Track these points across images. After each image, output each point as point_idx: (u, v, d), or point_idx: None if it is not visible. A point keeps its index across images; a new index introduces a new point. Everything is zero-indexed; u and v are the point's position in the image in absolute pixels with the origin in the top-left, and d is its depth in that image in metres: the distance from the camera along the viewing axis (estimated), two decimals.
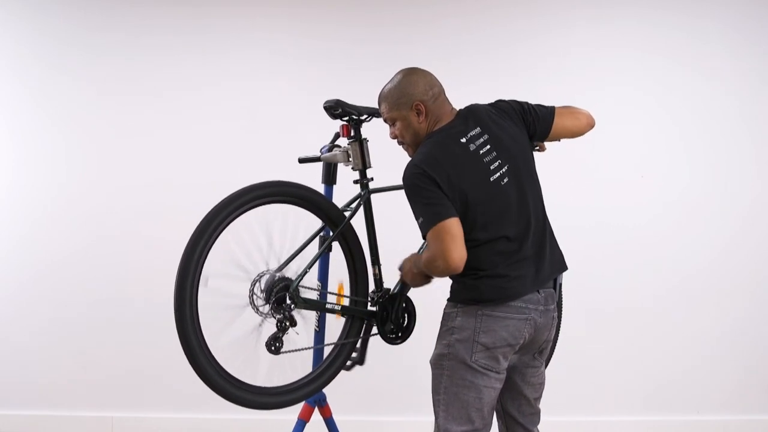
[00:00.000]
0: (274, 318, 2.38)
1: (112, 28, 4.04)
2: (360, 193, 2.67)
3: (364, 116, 2.66)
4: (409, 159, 2.35)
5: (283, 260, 2.45)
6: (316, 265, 2.61)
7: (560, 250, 2.41)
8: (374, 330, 2.64)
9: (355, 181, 2.69)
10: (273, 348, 2.36)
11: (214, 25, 4.04)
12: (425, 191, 2.19)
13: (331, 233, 2.60)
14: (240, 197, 2.34)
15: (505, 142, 2.31)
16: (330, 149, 2.74)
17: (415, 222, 2.23)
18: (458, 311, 2.28)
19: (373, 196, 2.68)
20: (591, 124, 2.54)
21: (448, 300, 2.34)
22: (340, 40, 4.04)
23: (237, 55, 4.04)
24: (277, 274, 2.41)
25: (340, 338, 2.62)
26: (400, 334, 2.65)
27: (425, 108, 2.33)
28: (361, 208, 2.66)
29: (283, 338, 2.38)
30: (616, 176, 3.99)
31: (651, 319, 3.98)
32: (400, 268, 2.49)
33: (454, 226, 2.16)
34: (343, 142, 2.72)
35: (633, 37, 4.03)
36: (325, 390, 2.75)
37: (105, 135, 4.03)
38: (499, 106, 2.42)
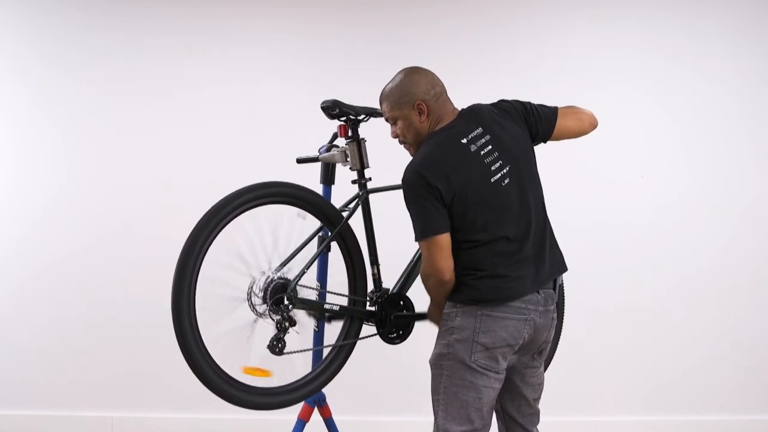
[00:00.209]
0: (272, 319, 2.39)
1: (112, 28, 4.04)
2: (358, 193, 2.67)
3: (362, 116, 2.67)
4: (410, 159, 2.35)
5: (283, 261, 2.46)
6: (315, 265, 2.61)
7: (560, 251, 2.41)
8: (373, 330, 2.64)
9: (353, 181, 2.69)
10: (276, 349, 2.37)
11: (214, 25, 4.04)
12: (423, 199, 2.21)
13: (330, 233, 2.60)
14: (238, 198, 2.35)
15: (506, 143, 2.31)
16: (328, 149, 2.74)
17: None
18: (458, 311, 2.28)
19: (371, 196, 2.68)
20: (594, 125, 2.54)
21: (448, 300, 2.34)
22: (340, 40, 4.04)
23: (237, 55, 4.04)
24: (276, 275, 2.41)
25: (338, 339, 2.62)
26: (399, 333, 2.65)
27: (427, 107, 2.33)
28: (360, 208, 2.66)
29: (284, 338, 2.39)
30: (616, 176, 3.99)
31: (651, 319, 3.98)
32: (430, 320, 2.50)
33: (444, 241, 2.23)
34: (341, 142, 2.72)
35: (633, 37, 4.03)
36: (324, 390, 2.75)
37: (105, 135, 4.03)
38: (502, 106, 2.42)
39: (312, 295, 2.55)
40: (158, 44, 4.04)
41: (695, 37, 4.02)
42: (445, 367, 2.28)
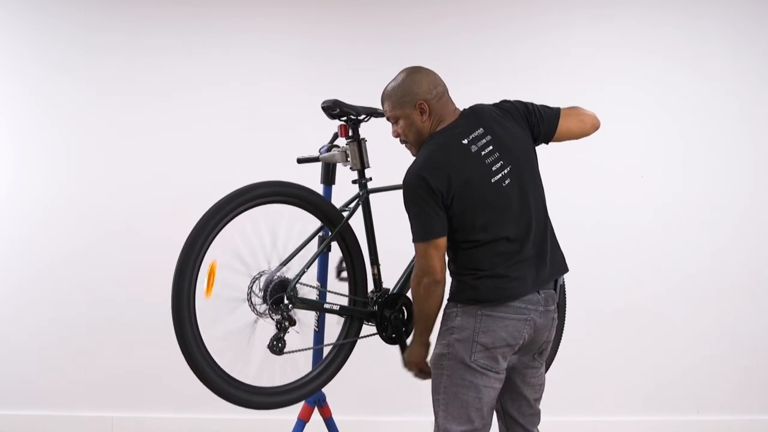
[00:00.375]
0: (272, 319, 2.39)
1: (112, 28, 4.04)
2: (358, 193, 2.67)
3: (363, 116, 2.67)
4: (412, 159, 2.36)
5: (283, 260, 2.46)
6: (315, 265, 2.61)
7: (561, 252, 2.41)
8: (373, 329, 2.64)
9: (354, 181, 2.69)
10: (276, 348, 2.37)
11: (214, 25, 4.04)
12: (422, 203, 2.22)
13: (330, 233, 2.60)
14: (238, 198, 2.34)
15: (507, 143, 2.31)
16: (328, 149, 2.74)
17: None
18: (458, 311, 2.28)
19: (371, 196, 2.68)
20: (596, 126, 2.54)
21: (448, 300, 2.35)
22: (340, 40, 4.04)
23: (237, 55, 4.04)
24: (276, 274, 2.41)
25: (339, 338, 2.62)
26: (399, 334, 2.64)
27: (428, 107, 2.33)
28: (360, 208, 2.66)
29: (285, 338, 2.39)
30: (616, 176, 3.99)
31: (651, 319, 3.98)
32: (405, 363, 2.50)
33: (442, 244, 2.24)
34: (341, 142, 2.72)
35: (633, 37, 4.03)
36: (324, 390, 2.75)
37: (105, 135, 4.03)
38: (503, 106, 2.42)
39: (312, 295, 2.55)
40: (158, 44, 4.04)
41: (695, 37, 4.02)
42: (445, 366, 2.28)
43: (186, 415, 3.96)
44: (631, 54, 4.03)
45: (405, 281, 2.67)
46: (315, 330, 2.71)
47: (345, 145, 2.69)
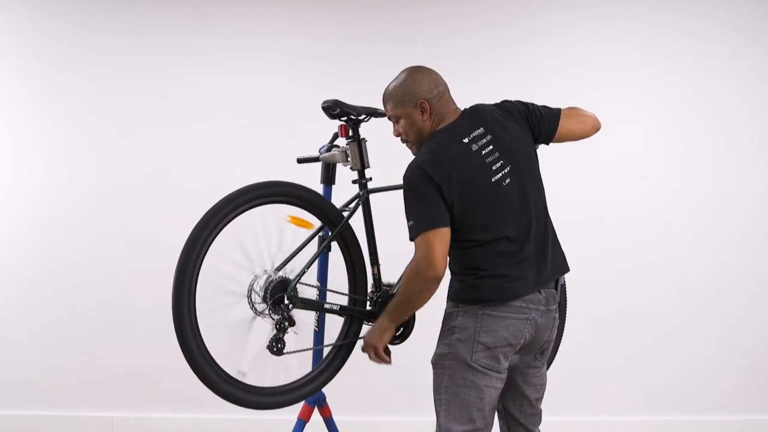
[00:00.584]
0: (272, 319, 2.39)
1: (112, 28, 4.04)
2: (359, 193, 2.67)
3: (363, 116, 2.66)
4: (412, 158, 2.35)
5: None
6: (315, 265, 2.61)
7: (562, 252, 2.41)
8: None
9: (354, 181, 2.69)
10: (275, 349, 2.37)
11: (214, 25, 4.04)
12: (423, 195, 2.20)
13: (330, 233, 2.60)
14: (238, 198, 2.34)
15: (508, 143, 2.31)
16: (329, 149, 2.74)
17: None
18: (459, 311, 2.28)
19: (371, 196, 2.68)
20: (596, 128, 2.54)
21: (449, 300, 2.35)
22: (340, 40, 4.04)
23: (237, 55, 4.04)
24: (276, 274, 2.41)
25: (339, 338, 2.62)
26: (399, 334, 2.64)
27: (429, 106, 2.33)
28: (360, 208, 2.66)
29: (284, 338, 2.38)
30: (617, 176, 3.99)
31: (651, 319, 3.98)
32: (365, 341, 2.44)
33: (445, 234, 2.20)
34: (341, 142, 2.72)
35: (633, 37, 4.03)
36: (324, 390, 2.75)
37: (105, 135, 4.03)
38: (504, 106, 2.42)
39: (312, 295, 2.55)
40: (158, 44, 4.04)
41: (695, 37, 4.02)
42: (446, 366, 2.28)
43: (186, 415, 3.96)
44: (631, 54, 4.03)
45: None
46: (315, 330, 2.71)
47: (345, 145, 2.69)
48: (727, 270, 3.99)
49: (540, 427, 2.48)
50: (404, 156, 2.44)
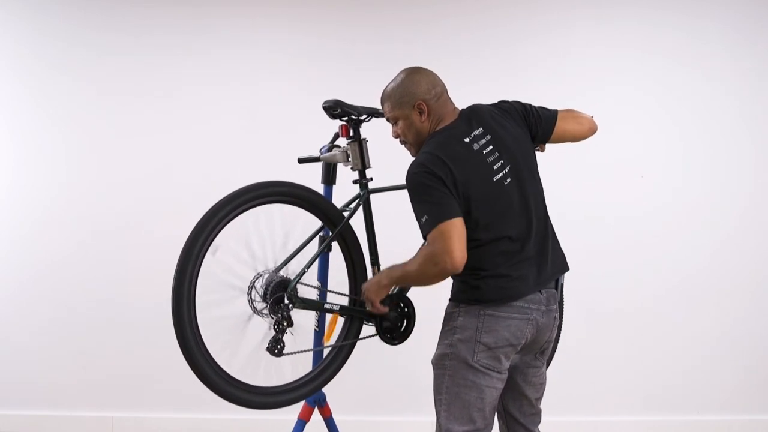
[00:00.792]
0: (272, 318, 2.38)
1: (112, 28, 4.04)
2: (359, 193, 2.67)
3: (364, 116, 2.67)
4: (412, 159, 2.35)
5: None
6: (316, 265, 2.61)
7: (562, 251, 2.41)
8: (373, 330, 2.63)
9: (355, 181, 2.69)
10: (275, 350, 2.36)
11: (215, 25, 4.04)
12: (431, 189, 2.18)
13: (330, 233, 2.60)
14: (238, 198, 2.34)
15: (507, 143, 2.31)
16: (329, 149, 2.74)
17: (416, 222, 2.22)
18: (460, 311, 2.28)
19: (372, 196, 2.68)
20: (593, 129, 2.55)
21: (450, 300, 2.34)
22: (340, 40, 4.04)
23: (237, 55, 4.04)
24: (276, 274, 2.41)
25: (338, 339, 2.62)
26: (399, 334, 2.64)
27: (428, 107, 2.33)
28: (361, 208, 2.66)
29: (283, 339, 2.38)
30: (616, 176, 3.99)
31: (651, 319, 3.98)
32: (364, 290, 2.45)
33: (460, 225, 2.16)
34: (342, 142, 2.72)
35: (633, 37, 4.03)
36: (324, 390, 2.75)
37: (105, 135, 4.03)
38: (502, 106, 2.42)
39: (312, 295, 2.55)
40: (158, 44, 4.04)
41: (695, 37, 4.02)
42: (447, 366, 2.28)
43: (186, 415, 3.96)
44: (631, 54, 4.03)
45: None
46: (315, 330, 2.71)
47: (346, 145, 2.69)
48: (727, 270, 3.99)
49: (540, 427, 2.47)
50: (405, 156, 2.44)
